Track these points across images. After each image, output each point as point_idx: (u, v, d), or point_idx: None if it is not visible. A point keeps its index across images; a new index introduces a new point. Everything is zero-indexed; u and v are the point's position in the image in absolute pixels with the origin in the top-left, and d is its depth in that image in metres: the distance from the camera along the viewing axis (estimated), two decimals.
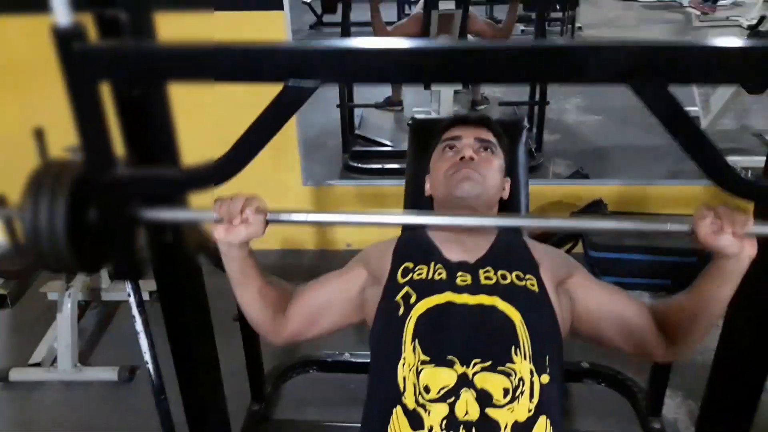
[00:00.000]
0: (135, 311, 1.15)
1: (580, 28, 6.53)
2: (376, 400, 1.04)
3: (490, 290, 1.06)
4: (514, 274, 1.09)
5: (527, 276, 1.09)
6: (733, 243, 0.87)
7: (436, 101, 3.70)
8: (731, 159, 3.13)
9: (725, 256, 0.89)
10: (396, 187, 2.79)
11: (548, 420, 0.96)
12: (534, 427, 0.94)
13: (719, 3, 6.65)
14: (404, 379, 0.99)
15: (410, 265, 1.12)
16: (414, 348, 1.00)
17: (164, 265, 1.20)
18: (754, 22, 5.86)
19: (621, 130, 4.07)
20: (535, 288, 1.08)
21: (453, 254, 1.14)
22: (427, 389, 0.96)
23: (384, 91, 4.40)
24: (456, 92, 3.38)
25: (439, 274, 1.09)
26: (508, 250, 1.16)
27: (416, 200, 1.48)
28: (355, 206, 2.76)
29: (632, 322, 1.10)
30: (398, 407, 0.97)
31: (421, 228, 1.24)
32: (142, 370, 2.06)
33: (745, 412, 1.30)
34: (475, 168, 1.21)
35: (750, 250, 0.88)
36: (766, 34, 3.07)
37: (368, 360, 1.95)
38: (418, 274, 1.09)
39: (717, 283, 0.95)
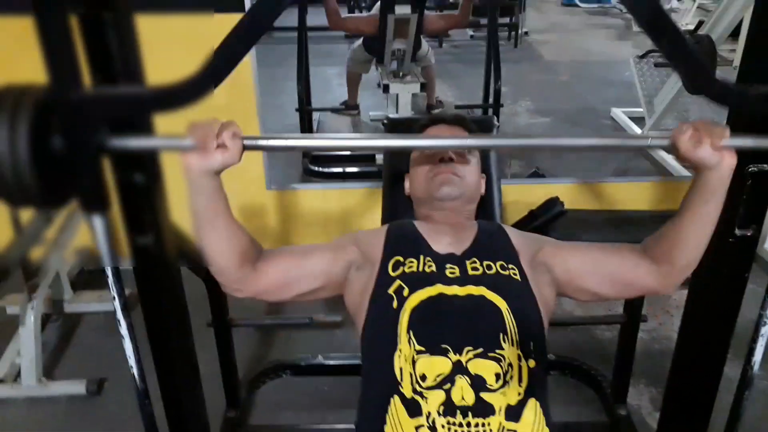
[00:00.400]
0: (120, 315, 1.12)
1: (526, 33, 6.73)
2: (373, 391, 1.06)
3: (477, 281, 1.10)
4: (498, 264, 1.13)
5: (510, 266, 1.13)
6: (713, 154, 0.89)
7: (393, 105, 3.76)
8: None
9: (707, 168, 0.91)
10: (359, 189, 2.85)
11: (537, 402, 1.00)
12: (524, 409, 0.98)
13: None
14: (401, 369, 1.01)
15: (400, 258, 1.14)
16: (409, 339, 1.03)
17: (145, 268, 1.21)
18: (690, 27, 6.18)
19: (570, 131, 4.22)
20: (518, 277, 1.12)
21: (440, 246, 1.17)
22: (423, 377, 0.99)
23: (340, 96, 4.43)
24: (413, 95, 3.42)
25: (429, 266, 1.12)
26: (490, 241, 1.20)
27: (395, 199, 1.51)
28: (320, 209, 2.76)
29: (615, 266, 1.12)
30: (396, 396, 0.99)
31: (408, 220, 1.27)
32: (111, 382, 2.03)
33: (706, 396, 1.38)
34: (454, 169, 1.25)
35: (729, 160, 0.90)
36: (701, 37, 3.22)
37: (341, 362, 2.02)
38: (409, 267, 1.12)
39: (703, 198, 0.97)
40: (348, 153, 3.65)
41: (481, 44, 6.02)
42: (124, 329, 1.14)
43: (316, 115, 4.03)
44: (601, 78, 5.33)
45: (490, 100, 3.64)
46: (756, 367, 1.19)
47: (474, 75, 4.69)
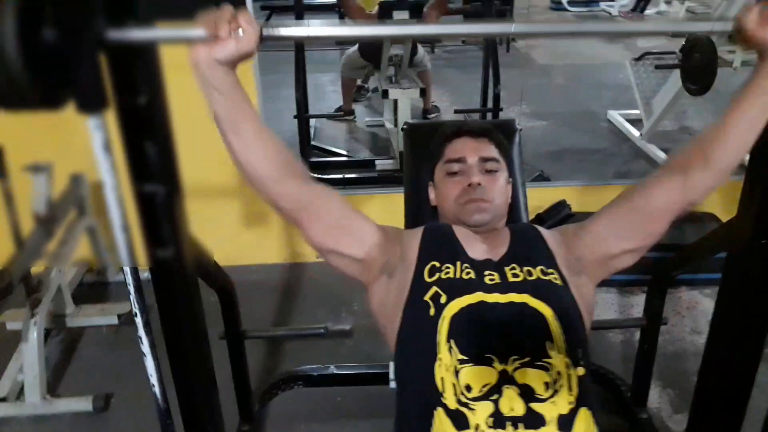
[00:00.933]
0: (141, 332, 1.08)
1: (514, 39, 6.72)
2: (413, 403, 1.02)
3: (519, 288, 1.06)
4: (538, 269, 1.10)
5: (549, 270, 1.10)
6: None
7: (390, 110, 3.73)
8: None
9: None
10: (362, 196, 2.82)
11: (589, 412, 0.97)
12: (575, 418, 0.95)
13: (646, 12, 6.99)
14: (442, 379, 0.98)
15: (437, 264, 1.10)
16: (450, 348, 0.99)
17: (164, 280, 1.17)
18: None
19: (568, 134, 4.21)
20: (559, 282, 1.09)
21: (476, 253, 1.14)
22: (468, 388, 0.95)
23: (335, 102, 4.40)
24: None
25: (468, 273, 1.08)
26: (527, 245, 1.17)
27: (416, 206, 1.48)
28: None
29: (640, 202, 1.09)
30: (439, 408, 0.95)
31: (445, 224, 1.23)
32: (117, 397, 1.97)
33: (737, 400, 1.36)
34: (484, 196, 1.21)
35: None
36: (700, 39, 3.23)
37: (354, 372, 1.97)
38: (446, 274, 1.08)
39: (759, 90, 0.94)
40: (346, 158, 3.62)
41: (472, 50, 6.04)
42: (146, 347, 1.10)
43: (312, 122, 3.99)
44: (595, 81, 5.34)
45: (489, 104, 3.63)
46: None
47: (468, 80, 4.68)
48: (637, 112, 4.10)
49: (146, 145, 0.95)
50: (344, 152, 3.78)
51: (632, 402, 1.84)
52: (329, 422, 1.91)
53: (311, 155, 3.59)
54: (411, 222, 1.50)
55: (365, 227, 1.13)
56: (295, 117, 3.37)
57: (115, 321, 2.25)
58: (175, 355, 1.25)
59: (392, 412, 1.92)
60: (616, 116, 4.33)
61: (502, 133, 1.36)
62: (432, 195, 1.35)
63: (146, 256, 1.12)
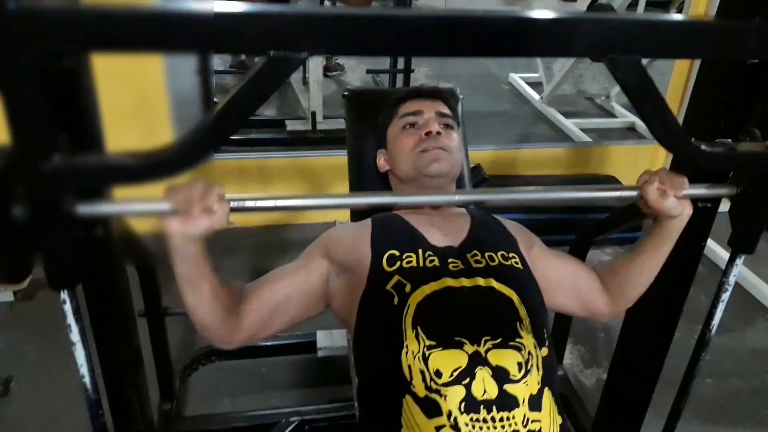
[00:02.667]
0: (71, 319, 0.97)
1: None
2: (379, 394, 0.99)
3: (483, 273, 1.05)
4: (499, 254, 1.09)
5: (510, 254, 1.10)
6: (676, 204, 0.95)
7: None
8: (574, 122, 3.47)
9: (669, 217, 0.98)
10: (283, 159, 2.71)
11: (550, 391, 0.98)
12: (542, 399, 0.96)
13: None
14: (409, 367, 0.95)
15: (396, 252, 1.06)
16: (417, 335, 0.97)
17: (90, 262, 1.07)
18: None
19: (472, 97, 4.28)
20: (520, 266, 1.09)
21: (437, 239, 1.11)
22: (438, 374, 0.93)
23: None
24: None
25: (431, 261, 1.06)
26: (487, 231, 1.16)
27: (361, 174, 1.43)
28: (244, 182, 2.61)
29: (583, 287, 1.16)
30: (407, 397, 0.93)
31: (393, 213, 1.19)
32: (18, 382, 1.80)
33: (655, 359, 1.45)
34: (442, 144, 1.19)
35: (688, 209, 0.98)
36: (603, 5, 3.37)
37: (278, 342, 1.93)
38: (408, 262, 1.05)
39: (660, 242, 1.04)
40: (256, 118, 3.47)
41: (382, 5, 5.93)
42: (75, 335, 0.99)
43: (215, 79, 3.78)
44: None
45: (399, 65, 3.59)
46: (713, 331, 1.26)
47: None
48: (537, 75, 4.24)
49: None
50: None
51: None
52: (255, 395, 1.87)
53: None
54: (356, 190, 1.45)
55: (286, 285, 1.08)
56: (198, 73, 3.16)
57: (10, 298, 2.05)
58: (102, 338, 1.16)
59: (319, 381, 1.93)
60: (517, 79, 4.45)
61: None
62: (381, 161, 1.30)
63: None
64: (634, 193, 0.97)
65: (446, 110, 1.26)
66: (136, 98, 2.30)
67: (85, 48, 0.75)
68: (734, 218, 1.09)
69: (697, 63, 1.24)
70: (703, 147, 0.91)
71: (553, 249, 1.22)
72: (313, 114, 3.17)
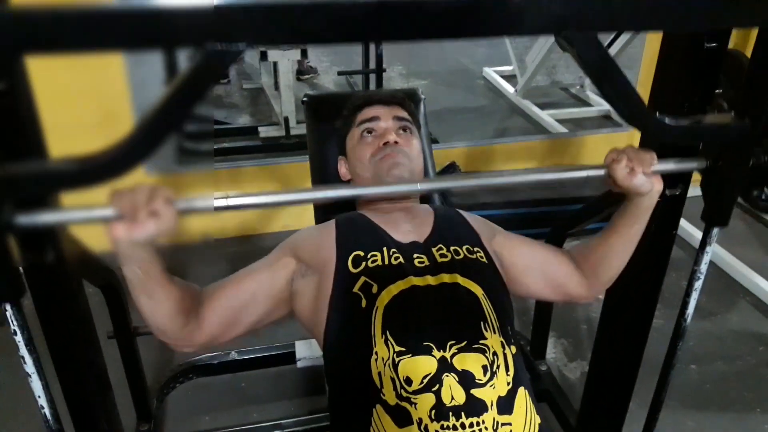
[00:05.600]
0: (24, 351, 0.94)
1: None
2: (350, 402, 0.97)
3: (448, 268, 1.03)
4: (464, 248, 1.07)
5: (475, 248, 1.09)
6: (646, 181, 0.93)
7: (269, 74, 3.57)
8: (550, 113, 3.46)
9: (639, 194, 0.96)
10: (258, 167, 2.68)
11: (525, 390, 0.96)
12: (515, 399, 0.94)
13: None
14: (379, 374, 0.93)
15: (361, 253, 1.04)
16: (386, 340, 0.95)
17: (44, 286, 1.03)
18: None
19: (447, 93, 4.26)
20: (485, 260, 1.08)
21: (401, 235, 1.09)
22: (408, 381, 0.91)
23: None
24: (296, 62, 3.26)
25: (396, 258, 1.04)
26: (450, 225, 1.14)
27: (324, 180, 1.41)
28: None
29: (554, 271, 1.15)
30: (378, 406, 0.91)
31: (357, 213, 1.17)
32: None
33: (635, 351, 1.44)
34: (401, 152, 1.17)
35: (658, 185, 0.96)
36: None
37: (257, 355, 1.89)
38: (373, 262, 1.03)
39: (631, 221, 1.03)
40: (229, 126, 3.43)
41: None
42: (30, 367, 0.95)
43: None
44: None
45: (371, 65, 3.56)
46: (689, 320, 1.25)
47: None
48: (511, 68, 4.23)
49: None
50: (221, 119, 3.58)
51: (532, 356, 1.92)
52: (235, 410, 1.83)
53: None
54: (321, 206, 1.43)
55: (250, 286, 1.05)
56: (166, 81, 3.11)
57: None
58: (63, 368, 1.12)
59: (300, 392, 1.90)
60: (491, 73, 4.44)
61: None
62: (343, 169, 1.28)
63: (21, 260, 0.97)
64: (601, 172, 0.95)
65: (404, 114, 1.24)
66: (100, 112, 2.25)
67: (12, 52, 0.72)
68: (706, 192, 1.07)
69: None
70: (667, 121, 0.88)
71: (520, 236, 1.20)
72: (286, 119, 3.14)
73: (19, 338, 0.94)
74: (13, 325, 0.92)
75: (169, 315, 0.92)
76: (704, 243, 1.15)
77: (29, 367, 0.97)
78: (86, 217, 0.81)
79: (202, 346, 1.01)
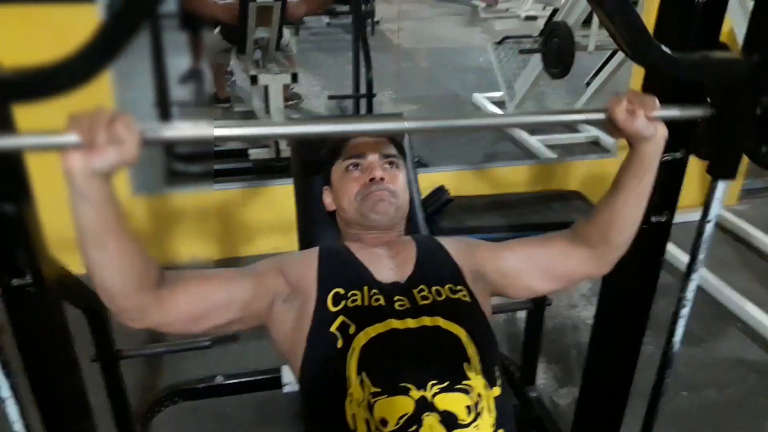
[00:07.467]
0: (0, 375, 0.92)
1: (377, 22, 6.74)
2: None
3: (429, 311, 1.01)
4: (447, 287, 1.06)
5: (458, 287, 1.07)
6: (648, 125, 0.89)
7: (260, 97, 3.58)
8: (539, 138, 3.49)
9: (642, 139, 0.91)
10: (246, 189, 2.67)
11: None
12: None
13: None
14: (353, 416, 0.91)
15: (341, 290, 1.02)
16: (361, 381, 0.92)
17: (22, 308, 1.01)
18: (531, 13, 6.55)
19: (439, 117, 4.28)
20: (468, 299, 1.06)
21: (383, 274, 1.08)
22: (384, 422, 0.89)
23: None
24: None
25: (377, 300, 1.02)
26: (433, 262, 1.12)
27: (308, 210, 1.40)
28: (200, 215, 2.55)
29: (547, 261, 1.10)
30: None
31: (341, 244, 1.16)
32: None
33: (623, 379, 1.42)
34: (386, 189, 1.15)
35: (662, 130, 0.92)
36: (557, 24, 3.39)
37: (244, 380, 1.86)
38: (353, 301, 1.01)
39: (638, 172, 0.96)
40: (218, 149, 3.42)
41: (338, 32, 5.97)
42: (6, 391, 0.93)
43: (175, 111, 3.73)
44: (458, 64, 5.48)
45: (361, 89, 3.58)
46: (676, 347, 1.24)
47: (336, 64, 4.62)
48: (500, 94, 4.27)
49: None
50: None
51: (522, 382, 1.90)
52: None
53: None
54: (304, 229, 1.41)
55: (231, 288, 1.00)
56: (157, 105, 3.12)
57: None
58: (41, 392, 1.09)
59: (287, 417, 1.87)
60: (480, 99, 4.47)
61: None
62: (328, 200, 1.26)
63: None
64: (601, 115, 0.93)
65: (390, 150, 1.21)
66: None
67: None
68: (710, 143, 1.02)
69: None
70: (671, 53, 0.84)
71: (504, 242, 1.18)
72: (276, 142, 3.14)
73: None
74: None
75: (120, 276, 0.82)
76: (691, 266, 1.14)
77: (4, 391, 0.95)
78: (40, 143, 0.74)
79: (154, 324, 0.92)
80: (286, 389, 1.75)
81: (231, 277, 1.02)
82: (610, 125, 0.91)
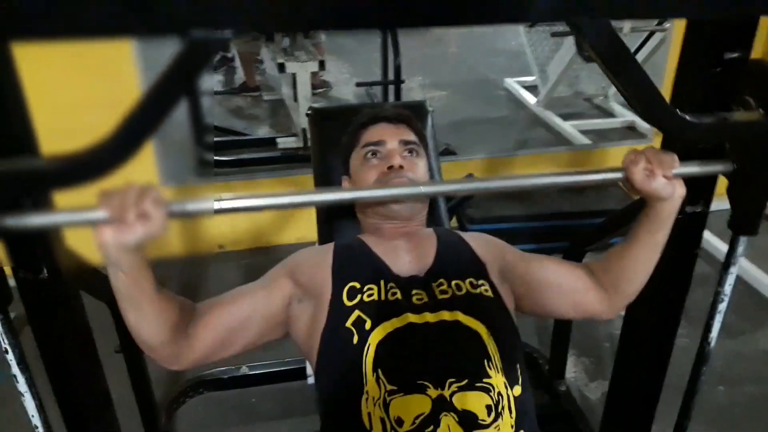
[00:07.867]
0: (16, 369, 0.92)
1: None
2: None
3: (449, 305, 0.98)
4: (467, 281, 1.02)
5: (480, 281, 1.03)
6: (666, 185, 0.87)
7: (289, 85, 3.56)
8: (572, 124, 3.37)
9: (660, 199, 0.89)
10: (274, 179, 2.66)
11: None
12: None
13: None
14: (369, 415, 0.88)
15: (356, 284, 1.00)
16: (377, 379, 0.90)
17: (38, 301, 1.01)
18: None
19: (467, 104, 4.22)
20: (490, 294, 1.02)
21: (401, 268, 1.05)
22: (399, 422, 0.86)
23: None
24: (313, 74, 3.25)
25: (393, 294, 0.99)
26: (454, 255, 1.08)
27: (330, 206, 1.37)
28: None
29: (570, 287, 1.07)
30: None
31: (357, 238, 1.13)
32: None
33: (655, 374, 1.37)
34: (405, 177, 1.11)
35: (680, 189, 0.89)
36: None
37: (268, 370, 1.86)
38: (369, 296, 0.98)
39: (654, 228, 0.95)
40: (245, 138, 3.43)
41: None
42: (23, 386, 0.93)
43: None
44: (488, 48, 5.38)
45: (390, 76, 3.53)
46: (713, 343, 1.18)
47: (365, 50, 4.56)
48: (532, 78, 4.17)
49: None
50: (241, 130, 3.58)
51: (551, 375, 1.86)
52: (245, 426, 1.80)
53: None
54: (324, 217, 1.39)
55: (245, 306, 1.01)
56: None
57: None
58: (60, 385, 1.10)
59: (310, 408, 1.86)
60: (512, 84, 4.38)
61: (414, 115, 1.27)
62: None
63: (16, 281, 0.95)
64: (618, 174, 0.89)
65: (410, 136, 1.17)
66: (109, 101, 2.25)
67: None
68: (733, 198, 1.00)
69: None
70: (689, 118, 0.81)
71: (533, 253, 1.15)
72: (303, 130, 3.12)
73: (10, 356, 0.92)
74: (4, 344, 0.91)
75: (157, 331, 0.88)
76: (729, 258, 1.08)
77: (22, 386, 0.95)
78: (73, 220, 0.77)
79: (193, 363, 0.97)
80: (310, 380, 1.74)
81: (243, 294, 1.03)
82: (628, 184, 0.89)
